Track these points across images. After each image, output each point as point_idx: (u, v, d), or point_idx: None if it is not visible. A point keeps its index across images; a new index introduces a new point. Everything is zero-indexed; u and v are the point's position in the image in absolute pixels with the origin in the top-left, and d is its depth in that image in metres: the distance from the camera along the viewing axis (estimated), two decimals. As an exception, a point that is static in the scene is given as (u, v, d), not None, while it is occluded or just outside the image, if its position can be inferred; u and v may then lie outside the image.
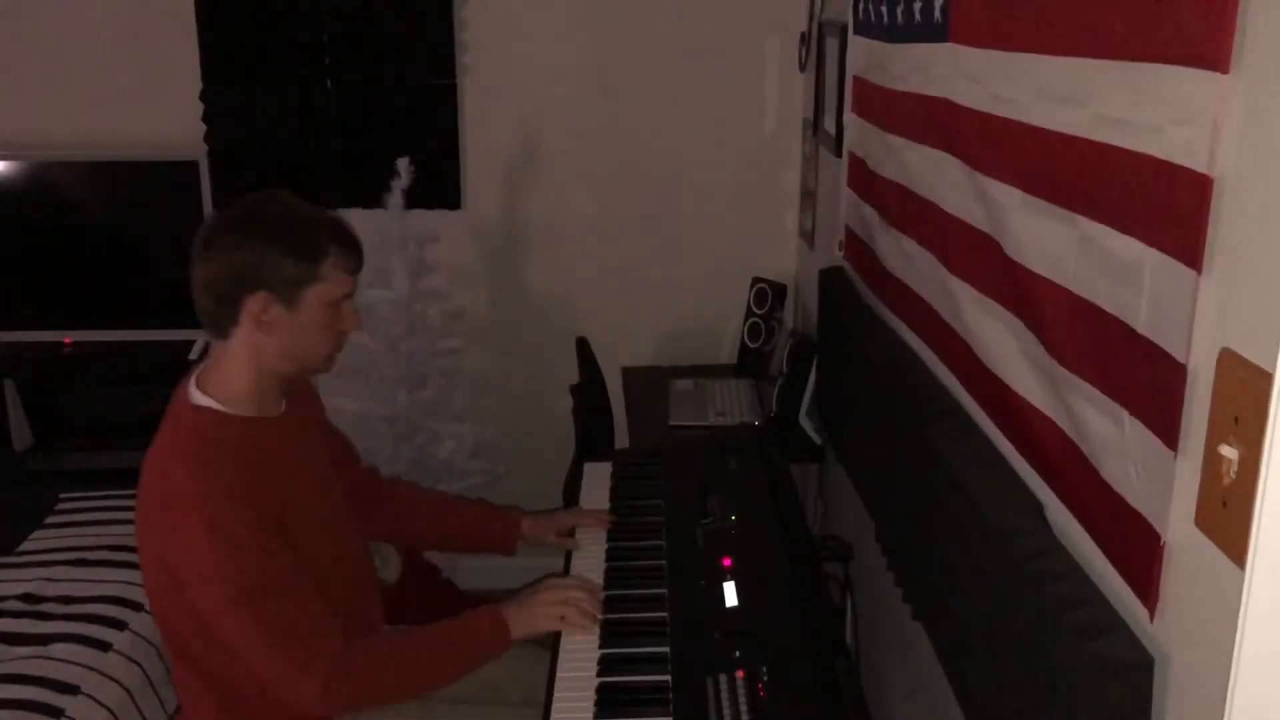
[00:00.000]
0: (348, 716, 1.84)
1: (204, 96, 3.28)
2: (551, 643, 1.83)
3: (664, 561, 2.01)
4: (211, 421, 1.76)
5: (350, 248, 1.80)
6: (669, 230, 3.45)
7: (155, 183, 3.24)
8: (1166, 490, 1.02)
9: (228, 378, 1.78)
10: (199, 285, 1.75)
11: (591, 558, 2.07)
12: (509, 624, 1.84)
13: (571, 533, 2.16)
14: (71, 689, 2.11)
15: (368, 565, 2.01)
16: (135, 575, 2.48)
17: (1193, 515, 0.98)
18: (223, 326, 1.76)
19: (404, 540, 2.44)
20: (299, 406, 1.92)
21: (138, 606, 2.39)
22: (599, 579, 1.99)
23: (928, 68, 1.77)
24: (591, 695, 1.67)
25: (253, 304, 1.72)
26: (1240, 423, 0.88)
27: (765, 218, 3.45)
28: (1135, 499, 1.09)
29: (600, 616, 1.86)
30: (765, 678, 1.63)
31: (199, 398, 1.78)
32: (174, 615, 1.77)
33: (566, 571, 2.05)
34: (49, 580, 2.47)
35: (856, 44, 2.34)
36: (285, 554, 1.71)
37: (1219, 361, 0.93)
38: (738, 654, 1.69)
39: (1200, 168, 0.95)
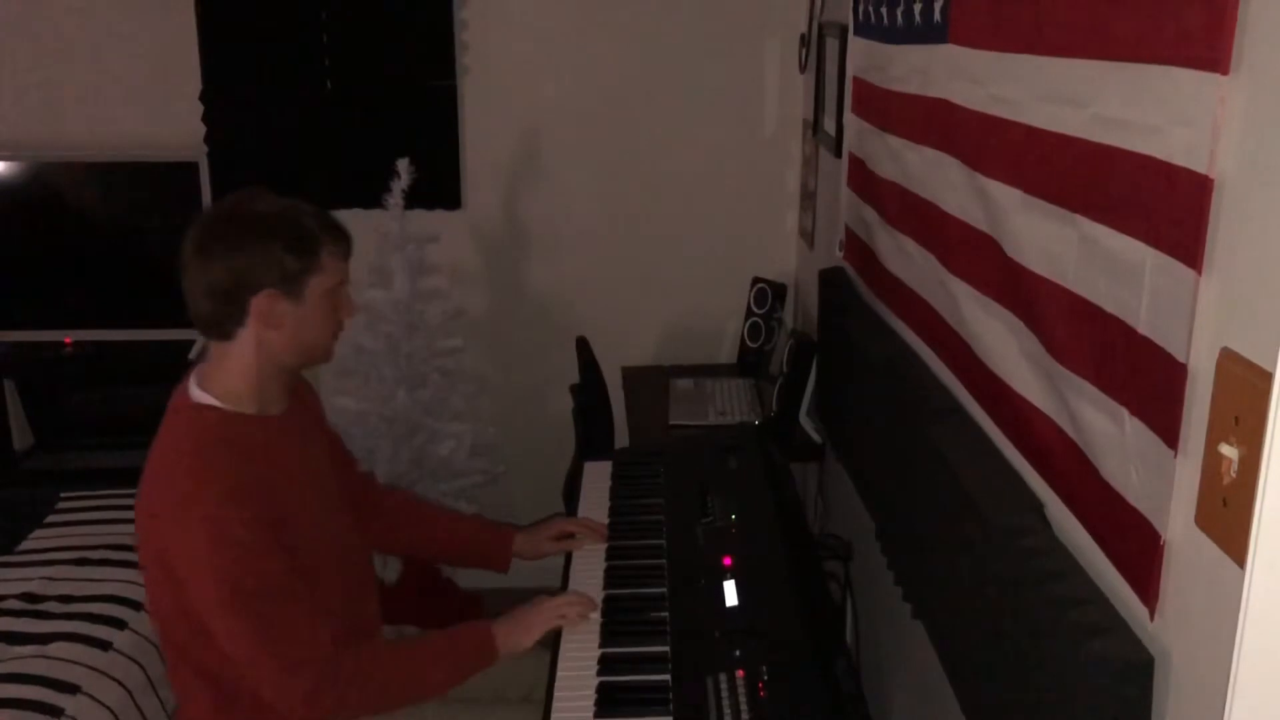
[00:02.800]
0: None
1: (204, 97, 3.28)
2: (551, 642, 1.84)
3: (664, 561, 2.02)
4: (213, 419, 1.77)
5: (339, 234, 1.83)
6: (669, 230, 3.45)
7: (155, 183, 3.24)
8: (1167, 489, 1.02)
9: (231, 376, 1.78)
10: (196, 290, 1.75)
11: (591, 557, 2.07)
12: (496, 640, 1.86)
13: (570, 535, 2.16)
14: (72, 688, 2.11)
15: (367, 567, 2.01)
16: (135, 575, 2.49)
17: (1193, 514, 0.98)
18: (226, 328, 1.76)
19: (394, 550, 2.43)
20: (300, 407, 1.93)
21: (138, 606, 2.39)
22: (599, 578, 1.99)
23: (927, 69, 1.77)
24: (591, 695, 1.67)
25: (260, 302, 1.73)
26: (1240, 422, 0.88)
27: (765, 218, 3.46)
28: (1135, 498, 1.09)
29: (597, 617, 1.87)
30: (765, 677, 1.63)
31: (200, 395, 1.78)
32: (171, 613, 1.78)
33: (566, 570, 2.05)
34: (49, 579, 2.47)
35: (856, 45, 2.34)
36: (282, 556, 1.71)
37: (1219, 361, 0.93)
38: (738, 653, 1.69)
39: (1200, 168, 0.96)
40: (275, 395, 1.84)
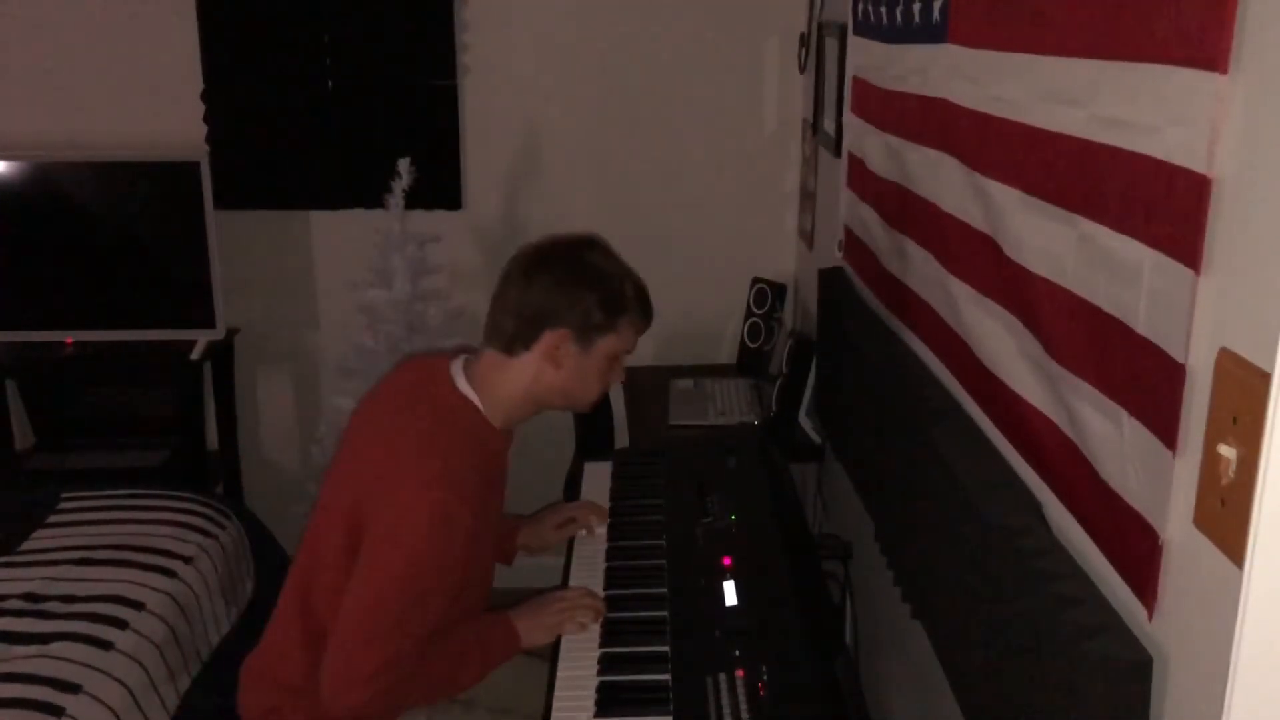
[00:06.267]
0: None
1: (205, 97, 3.28)
2: (552, 648, 1.84)
3: (664, 561, 2.02)
4: (475, 417, 1.86)
5: (646, 311, 1.94)
6: (669, 230, 3.45)
7: (156, 183, 3.24)
8: (1165, 490, 1.02)
9: (500, 388, 1.87)
10: (507, 305, 1.87)
11: (591, 558, 2.07)
12: (519, 633, 1.89)
13: (572, 520, 2.16)
14: (73, 688, 2.11)
15: (489, 594, 2.05)
16: (137, 574, 2.49)
17: (1191, 515, 0.98)
18: (514, 347, 1.86)
19: None
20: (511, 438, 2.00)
21: (139, 605, 2.39)
22: (599, 578, 2.00)
23: (927, 68, 1.78)
24: (592, 694, 1.68)
25: (552, 337, 1.83)
26: (1239, 422, 0.89)
27: (765, 218, 3.46)
28: (1134, 498, 1.09)
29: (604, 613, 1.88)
30: (765, 677, 1.64)
31: (467, 390, 1.87)
32: (328, 560, 1.81)
33: (566, 570, 2.05)
34: (51, 579, 2.47)
35: (856, 45, 2.34)
36: (456, 573, 1.76)
37: (1217, 361, 0.93)
38: (737, 653, 1.70)
39: (1199, 168, 0.96)
40: (520, 420, 1.93)
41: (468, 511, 1.73)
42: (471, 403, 1.86)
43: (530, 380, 1.87)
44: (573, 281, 1.85)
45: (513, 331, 1.86)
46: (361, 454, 1.85)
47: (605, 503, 2.26)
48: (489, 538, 1.92)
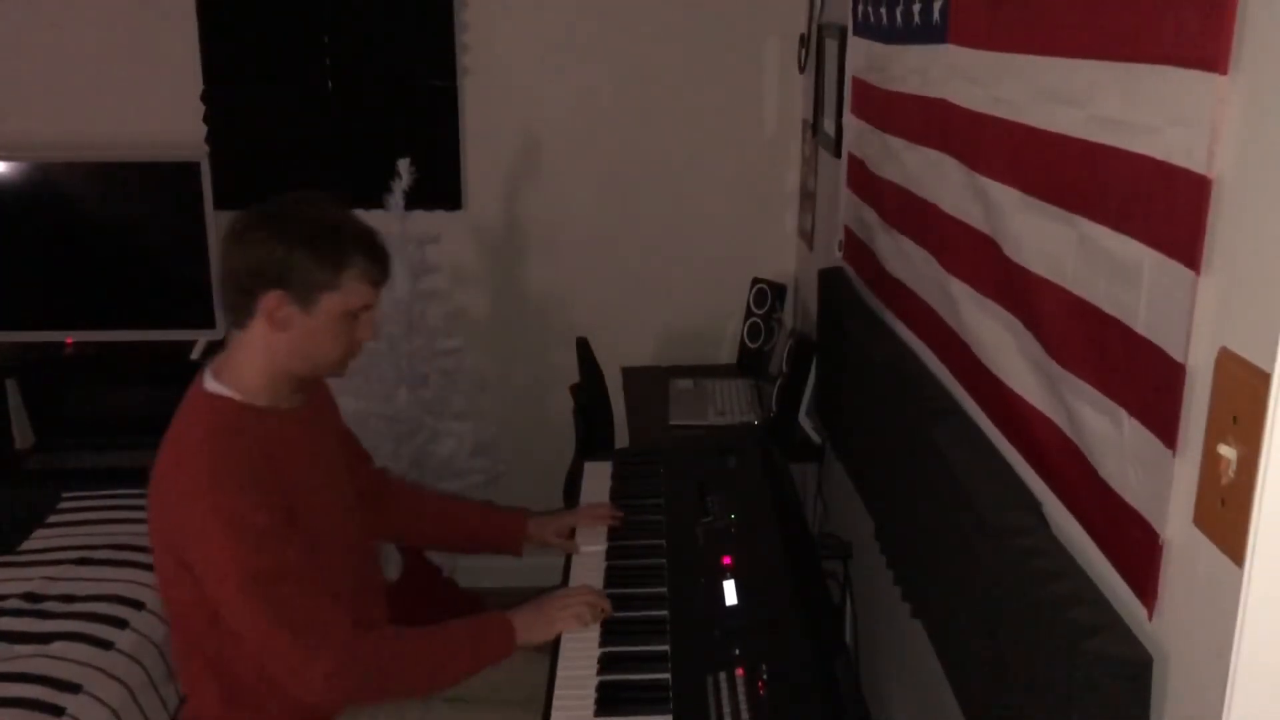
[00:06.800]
0: (348, 714, 1.85)
1: (205, 97, 3.28)
2: (552, 647, 1.84)
3: (664, 560, 2.02)
4: (224, 409, 1.78)
5: (376, 261, 1.81)
6: (669, 230, 3.45)
7: (156, 183, 3.24)
8: (1165, 489, 1.02)
9: (242, 368, 1.80)
10: (223, 273, 1.79)
11: (591, 557, 2.08)
12: (516, 630, 1.86)
13: (572, 534, 2.16)
14: (73, 687, 2.11)
15: (374, 563, 2.02)
16: (137, 574, 2.49)
17: (1191, 514, 0.98)
18: (240, 317, 1.79)
19: (409, 542, 2.44)
20: (313, 402, 1.95)
21: (139, 605, 2.39)
22: (599, 578, 2.00)
23: (926, 69, 1.78)
24: (592, 694, 1.68)
25: (268, 300, 1.75)
26: (1239, 422, 0.89)
27: (765, 218, 3.46)
28: (1134, 498, 1.09)
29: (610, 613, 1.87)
30: (765, 676, 1.64)
31: (214, 386, 1.80)
32: (185, 605, 1.78)
33: (567, 570, 2.06)
34: (51, 579, 2.48)
35: (856, 46, 2.35)
36: (294, 542, 1.72)
37: (1217, 361, 0.94)
38: (737, 652, 1.70)
39: (1199, 168, 0.96)
40: (285, 391, 1.85)
41: (250, 500, 1.68)
42: (223, 397, 1.78)
43: (262, 350, 1.78)
44: (282, 238, 1.73)
45: (231, 300, 1.78)
46: (153, 494, 1.79)
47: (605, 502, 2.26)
48: (317, 513, 1.82)
